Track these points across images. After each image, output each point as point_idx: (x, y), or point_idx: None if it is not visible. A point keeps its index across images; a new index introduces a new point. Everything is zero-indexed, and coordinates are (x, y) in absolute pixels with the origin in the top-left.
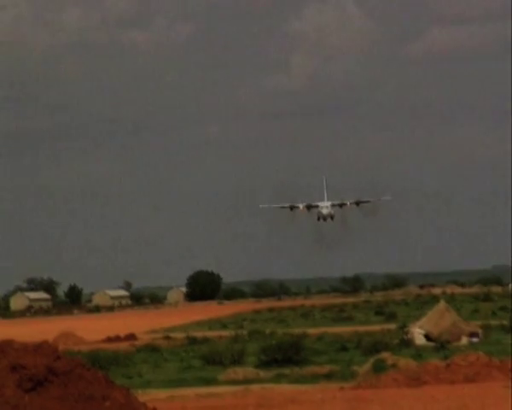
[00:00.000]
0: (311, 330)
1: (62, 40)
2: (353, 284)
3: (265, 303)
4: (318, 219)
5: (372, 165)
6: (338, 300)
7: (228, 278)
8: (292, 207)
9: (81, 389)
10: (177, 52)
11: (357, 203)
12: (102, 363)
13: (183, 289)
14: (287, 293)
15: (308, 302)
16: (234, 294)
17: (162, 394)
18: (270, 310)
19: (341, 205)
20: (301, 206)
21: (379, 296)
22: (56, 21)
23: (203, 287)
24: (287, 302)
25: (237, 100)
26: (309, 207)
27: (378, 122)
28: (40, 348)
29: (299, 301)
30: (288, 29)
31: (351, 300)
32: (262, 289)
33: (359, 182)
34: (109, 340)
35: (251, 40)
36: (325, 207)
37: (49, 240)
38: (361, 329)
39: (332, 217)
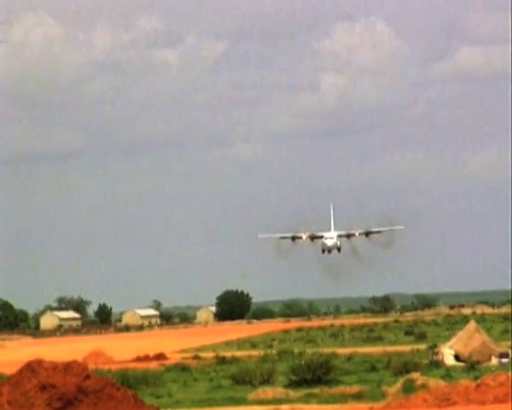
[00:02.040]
0: (341, 350)
1: (93, 59)
2: (383, 304)
3: (295, 323)
4: (323, 251)
5: (399, 185)
6: (368, 320)
7: (257, 297)
8: (294, 238)
9: (111, 408)
10: (207, 71)
11: (367, 234)
12: (132, 382)
13: (213, 309)
14: (316, 313)
15: (337, 322)
16: (263, 313)
17: None
18: (300, 330)
19: (349, 236)
20: (304, 236)
21: (409, 316)
22: (87, 41)
23: (232, 306)
24: (316, 322)
25: (267, 119)
26: (312, 237)
27: (408, 141)
28: (70, 367)
29: (328, 321)
30: (319, 48)
31: (380, 320)
32: (291, 309)
33: (380, 207)
34: (139, 359)
35: (281, 59)
36: (330, 237)
37: (80, 259)
38: (391, 349)
39: (339, 249)
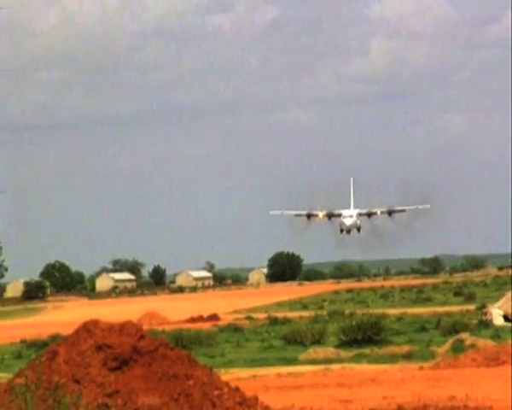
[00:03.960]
0: (391, 311)
1: (147, 26)
2: (432, 266)
3: (345, 284)
4: (341, 230)
5: (448, 147)
6: (417, 281)
7: (308, 259)
8: (309, 216)
9: (165, 367)
10: (259, 36)
11: (390, 213)
12: (186, 342)
13: (265, 271)
14: (366, 274)
15: (387, 283)
16: (314, 275)
17: (244, 373)
18: (350, 291)
19: (370, 214)
20: (320, 214)
21: (458, 278)
22: (141, 8)
23: (284, 268)
24: (366, 283)
25: (318, 83)
26: (330, 215)
27: (456, 105)
28: (125, 327)
29: (378, 283)
30: (369, 13)
31: (430, 281)
32: (341, 271)
33: (423, 172)
34: (192, 320)
35: (332, 24)
36: (349, 216)
37: (135, 222)
38: (440, 310)
39: (358, 228)
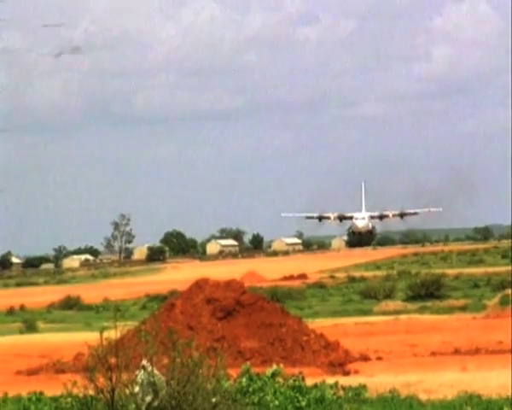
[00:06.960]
0: (449, 271)
1: (247, 36)
2: (484, 234)
3: (411, 249)
4: (353, 233)
5: (495, 132)
6: (471, 246)
7: (380, 228)
8: (321, 218)
9: (262, 318)
10: (340, 44)
11: (402, 215)
12: (280, 297)
13: (345, 238)
14: (429, 241)
15: (446, 248)
16: (385, 241)
17: (328, 322)
18: (416, 254)
19: (382, 217)
20: (332, 216)
21: (505, 243)
22: (242, 21)
23: (362, 237)
24: (429, 248)
25: (388, 83)
26: (341, 218)
27: (503, 100)
28: (230, 284)
29: (439, 247)
30: (431, 25)
31: (482, 246)
32: (409, 238)
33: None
34: (285, 278)
35: (400, 35)
36: (361, 218)
37: (240, 197)
38: (490, 270)
39: (371, 231)
